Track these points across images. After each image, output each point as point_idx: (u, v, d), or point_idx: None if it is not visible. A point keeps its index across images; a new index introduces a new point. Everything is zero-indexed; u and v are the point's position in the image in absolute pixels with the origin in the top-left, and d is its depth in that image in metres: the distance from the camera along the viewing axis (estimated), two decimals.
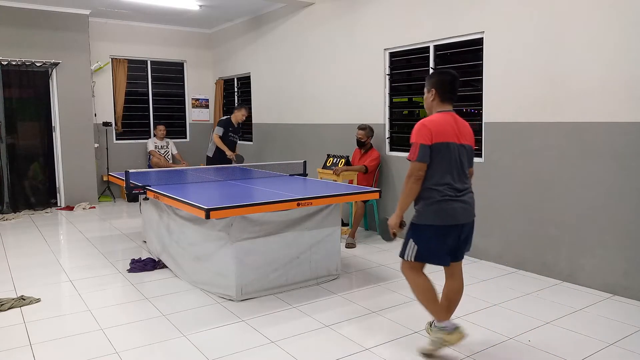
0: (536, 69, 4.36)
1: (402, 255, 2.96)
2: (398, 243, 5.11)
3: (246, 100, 8.94)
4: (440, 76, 2.98)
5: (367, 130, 5.82)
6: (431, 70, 5.35)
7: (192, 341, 3.15)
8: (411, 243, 2.91)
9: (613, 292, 3.95)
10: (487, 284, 4.26)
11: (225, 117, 7.52)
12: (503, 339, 3.18)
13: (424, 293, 2.94)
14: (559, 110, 4.22)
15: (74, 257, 5.21)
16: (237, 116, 7.33)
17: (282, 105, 7.81)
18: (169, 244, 4.61)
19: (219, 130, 7.23)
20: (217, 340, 3.18)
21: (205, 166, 6.39)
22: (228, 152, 7.19)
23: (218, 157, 7.23)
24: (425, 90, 3.02)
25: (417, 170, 2.82)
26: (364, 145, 5.88)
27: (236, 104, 9.34)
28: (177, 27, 9.27)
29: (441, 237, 2.86)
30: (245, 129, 9.08)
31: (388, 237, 3.02)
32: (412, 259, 2.91)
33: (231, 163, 7.21)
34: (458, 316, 3.51)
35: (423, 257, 2.90)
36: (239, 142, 7.67)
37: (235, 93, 9.34)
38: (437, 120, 2.87)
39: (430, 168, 2.83)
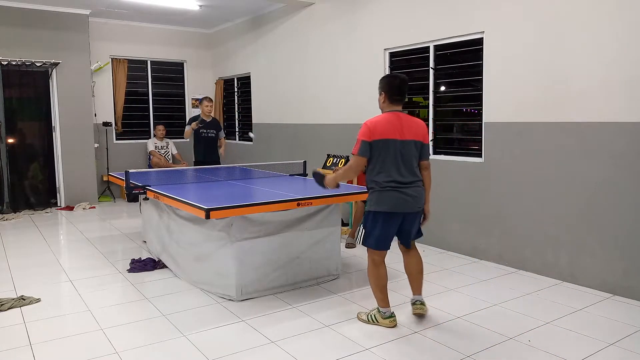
0: (536, 69, 4.36)
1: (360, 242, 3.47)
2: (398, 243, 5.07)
3: (246, 100, 8.95)
4: (389, 80, 3.33)
5: None
6: (431, 71, 5.36)
7: (192, 341, 3.15)
8: (360, 229, 3.33)
9: (613, 292, 3.95)
10: (487, 284, 4.26)
11: (196, 113, 7.15)
12: (503, 339, 3.18)
13: (376, 279, 3.38)
14: (559, 110, 4.22)
15: (74, 257, 5.21)
16: (203, 110, 6.89)
17: (282, 105, 7.81)
18: (169, 244, 4.61)
19: (188, 127, 6.87)
20: (217, 340, 3.18)
21: (205, 166, 6.37)
22: (193, 124, 6.74)
23: (202, 160, 6.88)
24: (378, 92, 3.36)
25: (356, 162, 3.26)
26: None
27: (236, 104, 9.35)
28: (177, 27, 9.27)
29: (382, 223, 3.25)
30: (245, 129, 9.09)
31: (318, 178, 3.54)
32: (361, 243, 3.31)
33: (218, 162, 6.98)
34: (458, 316, 3.52)
35: (368, 241, 3.32)
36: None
37: (235, 93, 9.34)
38: (379, 120, 3.25)
39: (372, 162, 3.24)
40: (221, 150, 7.07)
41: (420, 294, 3.54)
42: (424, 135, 3.34)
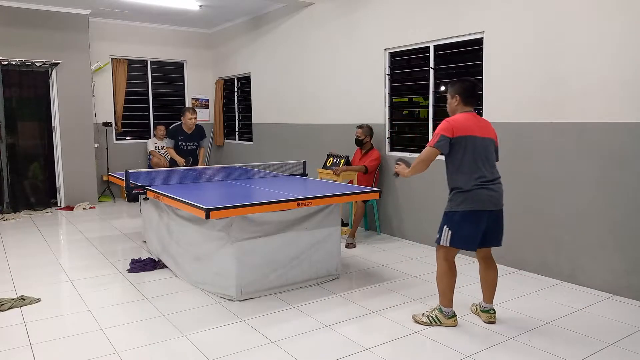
0: (536, 69, 4.36)
1: (438, 241, 3.31)
2: (398, 243, 5.10)
3: (246, 100, 8.95)
4: (463, 84, 3.35)
5: (365, 128, 5.82)
6: (431, 71, 5.36)
7: (192, 341, 3.15)
8: (445, 229, 3.24)
9: (613, 292, 3.95)
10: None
11: (177, 123, 6.55)
12: (503, 339, 3.18)
13: (450, 279, 3.31)
14: (559, 110, 4.22)
15: (74, 257, 5.21)
16: (186, 122, 6.37)
17: (282, 105, 7.81)
18: (169, 244, 4.61)
19: (169, 143, 6.42)
20: (217, 340, 3.18)
21: (205, 166, 6.34)
22: (179, 160, 6.34)
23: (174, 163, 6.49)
24: (449, 96, 3.39)
25: (428, 153, 3.23)
26: (362, 144, 5.88)
27: (236, 104, 9.35)
28: (177, 27, 9.27)
29: (470, 222, 3.20)
30: (245, 129, 9.09)
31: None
32: (448, 244, 3.24)
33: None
34: (458, 316, 3.51)
35: (455, 241, 3.23)
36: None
37: (235, 93, 9.34)
38: (460, 118, 3.25)
39: (456, 160, 3.21)
40: (199, 162, 6.56)
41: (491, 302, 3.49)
42: (495, 135, 3.39)
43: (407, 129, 6.10)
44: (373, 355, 2.97)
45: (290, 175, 5.59)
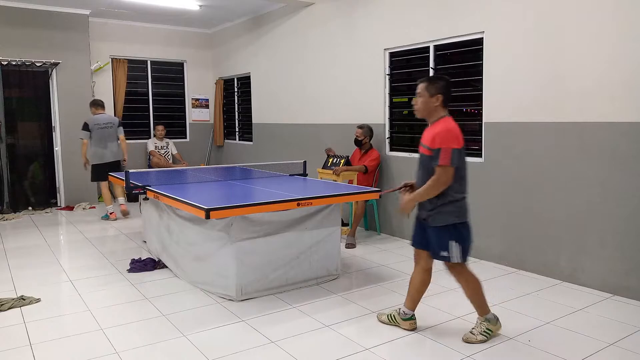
0: (536, 69, 4.36)
1: (448, 259, 3.07)
2: (398, 243, 5.10)
3: (246, 100, 8.94)
4: (447, 83, 3.10)
5: (365, 129, 5.82)
6: (431, 71, 5.35)
7: (192, 341, 3.15)
8: (453, 244, 3.04)
9: (613, 292, 3.95)
10: (487, 284, 4.22)
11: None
12: (503, 339, 3.18)
13: (479, 287, 3.18)
14: (558, 110, 4.22)
15: (74, 257, 5.21)
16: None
17: (282, 105, 7.81)
18: (169, 244, 4.61)
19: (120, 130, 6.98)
20: (217, 340, 3.18)
21: (205, 166, 6.35)
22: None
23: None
24: (427, 94, 3.07)
25: (449, 175, 2.96)
26: (362, 144, 5.88)
27: (236, 104, 9.35)
28: (177, 27, 9.27)
29: (468, 231, 3.11)
30: (245, 129, 9.09)
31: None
32: (461, 260, 3.07)
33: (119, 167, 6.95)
34: (458, 316, 3.52)
35: (465, 255, 3.08)
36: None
37: (235, 93, 9.34)
38: (455, 125, 3.03)
39: (458, 170, 3.00)
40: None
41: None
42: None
43: (407, 129, 6.10)
44: (373, 355, 2.97)
45: (290, 175, 5.59)
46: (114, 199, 8.55)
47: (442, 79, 3.14)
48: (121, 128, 7.02)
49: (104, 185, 7.02)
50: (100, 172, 6.80)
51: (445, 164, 2.92)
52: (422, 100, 3.09)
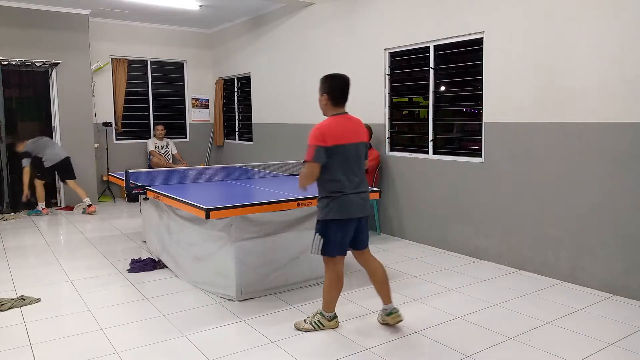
0: (536, 69, 4.36)
1: (311, 251, 3.21)
2: (398, 243, 5.10)
3: (246, 100, 8.94)
4: (332, 81, 3.18)
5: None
6: (431, 71, 5.36)
7: (192, 341, 3.15)
8: (318, 237, 3.17)
9: (613, 292, 3.95)
10: (487, 284, 4.26)
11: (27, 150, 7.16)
12: (503, 339, 3.18)
13: (331, 286, 3.26)
14: (559, 110, 4.22)
15: (74, 257, 5.21)
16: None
17: (282, 105, 7.80)
18: (169, 244, 4.61)
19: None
20: (217, 340, 3.18)
21: (205, 166, 6.36)
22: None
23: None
24: (319, 93, 3.21)
25: (312, 170, 3.11)
26: None
27: (236, 104, 9.34)
28: (177, 27, 9.27)
29: (342, 229, 3.15)
30: (245, 129, 9.09)
31: None
32: (319, 253, 3.17)
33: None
34: (458, 316, 3.52)
35: (328, 250, 3.17)
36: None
37: (235, 93, 9.34)
38: (331, 124, 3.12)
39: (330, 168, 3.11)
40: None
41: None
42: (367, 136, 3.36)
43: (407, 129, 6.10)
44: (373, 355, 2.97)
45: (290, 175, 5.59)
46: (113, 199, 8.54)
47: (332, 77, 3.21)
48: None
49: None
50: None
51: (307, 159, 3.15)
52: (318, 98, 3.25)
